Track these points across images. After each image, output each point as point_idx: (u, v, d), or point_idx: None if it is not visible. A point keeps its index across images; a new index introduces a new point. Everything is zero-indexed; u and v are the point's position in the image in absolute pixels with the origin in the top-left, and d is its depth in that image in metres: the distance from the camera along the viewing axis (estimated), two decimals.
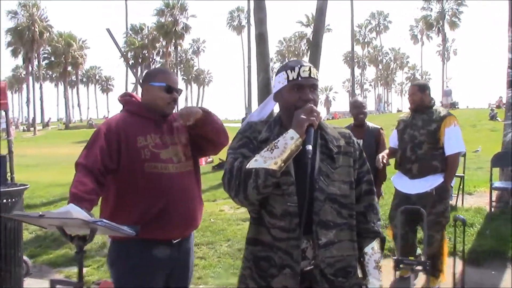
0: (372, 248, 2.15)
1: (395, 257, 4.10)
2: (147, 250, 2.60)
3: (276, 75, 2.12)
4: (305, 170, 2.02)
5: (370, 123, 5.24)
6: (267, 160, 1.91)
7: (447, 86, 50.29)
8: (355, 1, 75.48)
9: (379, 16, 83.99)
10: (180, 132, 2.78)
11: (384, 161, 4.66)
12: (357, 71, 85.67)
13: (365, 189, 2.20)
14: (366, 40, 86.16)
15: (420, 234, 5.09)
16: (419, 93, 4.61)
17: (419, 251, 4.93)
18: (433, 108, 4.61)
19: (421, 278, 4.54)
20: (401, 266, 3.99)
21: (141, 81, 2.85)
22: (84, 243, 2.23)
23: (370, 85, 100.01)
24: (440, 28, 71.02)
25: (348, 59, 75.83)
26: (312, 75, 2.07)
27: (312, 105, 2.02)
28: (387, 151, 4.85)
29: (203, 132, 2.76)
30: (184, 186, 2.69)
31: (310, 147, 1.88)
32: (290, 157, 1.92)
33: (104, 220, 2.11)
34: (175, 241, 2.68)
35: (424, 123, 4.53)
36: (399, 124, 4.81)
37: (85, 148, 2.61)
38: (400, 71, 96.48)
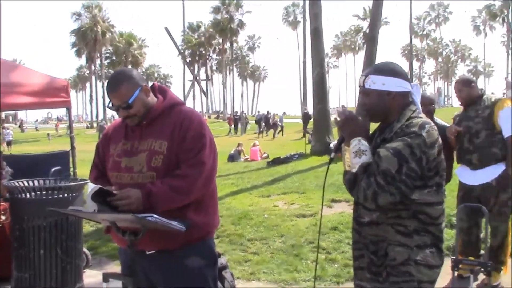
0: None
1: (454, 257, 3.97)
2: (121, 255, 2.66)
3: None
4: None
5: (439, 120, 4.96)
6: None
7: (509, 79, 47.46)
8: None
9: (438, 7, 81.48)
10: (158, 137, 2.47)
11: (456, 130, 4.54)
12: (416, 64, 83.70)
13: None
14: (425, 33, 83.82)
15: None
16: (465, 88, 4.55)
17: (482, 251, 4.75)
18: (484, 97, 4.53)
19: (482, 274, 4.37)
20: (460, 266, 3.85)
21: None
22: (136, 238, 2.27)
23: (429, 78, 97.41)
24: (505, 18, 67.84)
25: (406, 52, 74.07)
26: None
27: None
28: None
29: None
30: None
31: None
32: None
33: (155, 216, 2.14)
34: (149, 252, 2.45)
35: (478, 112, 4.46)
36: (454, 120, 4.76)
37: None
38: (461, 63, 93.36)
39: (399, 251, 2.18)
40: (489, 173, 4.39)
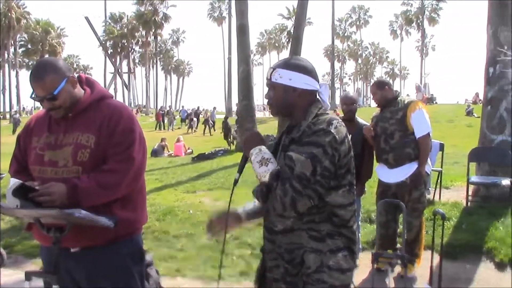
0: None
1: (374, 251, 4.16)
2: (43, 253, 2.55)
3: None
4: None
5: (360, 119, 5.13)
6: None
7: (420, 83, 49.80)
8: None
9: (359, 11, 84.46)
10: (85, 131, 2.39)
11: (370, 130, 4.81)
12: (337, 65, 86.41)
13: None
14: (346, 34, 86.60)
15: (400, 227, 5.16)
16: (379, 91, 4.77)
17: (398, 244, 5.00)
18: (398, 99, 4.77)
19: (399, 267, 4.60)
20: (379, 259, 4.03)
21: None
22: (61, 234, 2.18)
23: (350, 79, 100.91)
24: (420, 24, 71.83)
25: (328, 52, 76.18)
26: None
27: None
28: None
29: None
30: None
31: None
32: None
33: (83, 211, 2.06)
34: (73, 250, 2.37)
35: (392, 114, 4.70)
36: (372, 120, 4.98)
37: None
38: (380, 65, 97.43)
39: (312, 257, 2.13)
40: (404, 172, 4.65)
